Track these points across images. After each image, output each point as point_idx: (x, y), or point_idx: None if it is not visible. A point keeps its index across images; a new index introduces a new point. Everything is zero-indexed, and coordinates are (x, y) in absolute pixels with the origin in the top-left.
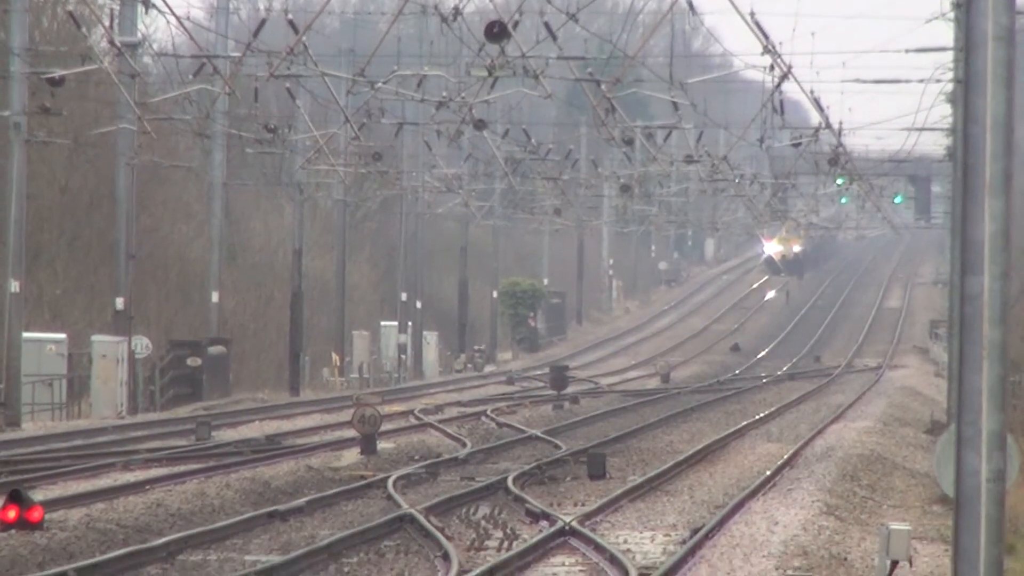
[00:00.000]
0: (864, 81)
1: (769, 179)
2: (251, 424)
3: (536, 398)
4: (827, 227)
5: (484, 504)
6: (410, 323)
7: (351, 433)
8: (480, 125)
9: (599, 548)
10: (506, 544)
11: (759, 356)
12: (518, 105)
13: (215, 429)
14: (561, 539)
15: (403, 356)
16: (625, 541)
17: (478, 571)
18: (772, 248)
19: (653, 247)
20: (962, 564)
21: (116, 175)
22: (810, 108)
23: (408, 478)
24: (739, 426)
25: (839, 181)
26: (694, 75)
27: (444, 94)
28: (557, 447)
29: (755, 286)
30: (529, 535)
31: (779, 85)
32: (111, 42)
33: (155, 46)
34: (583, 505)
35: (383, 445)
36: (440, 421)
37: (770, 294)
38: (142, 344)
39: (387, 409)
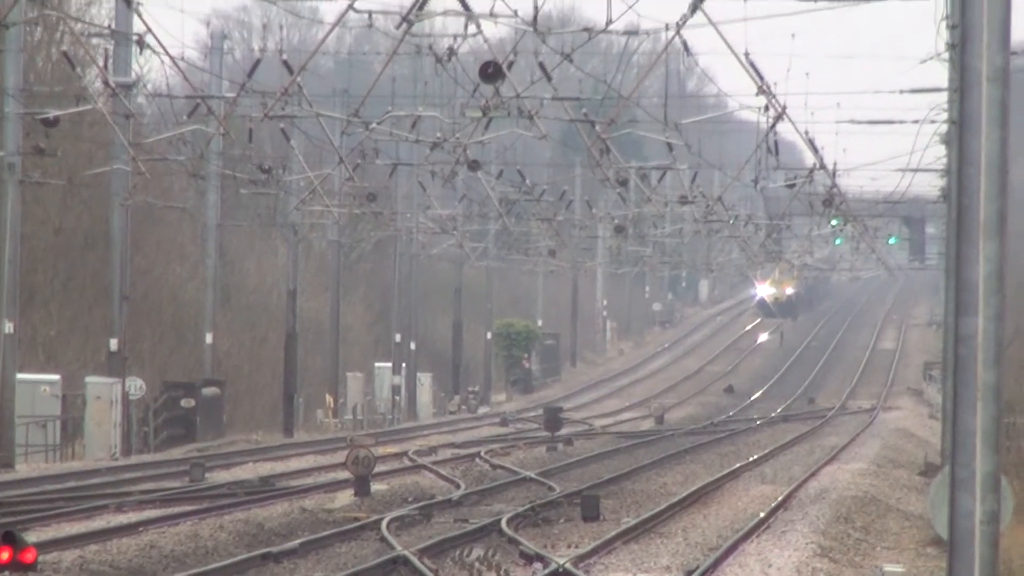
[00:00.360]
0: (858, 122)
1: (764, 220)
2: (245, 465)
3: (530, 440)
4: (821, 268)
5: (478, 546)
6: (404, 364)
7: (345, 475)
8: (474, 166)
9: None
10: None
11: (753, 398)
12: (512, 146)
13: (209, 470)
14: None
15: (397, 397)
16: None
17: None
18: (765, 290)
19: (647, 288)
20: None
21: (110, 216)
22: (804, 149)
23: (402, 520)
24: (733, 468)
25: (834, 222)
26: (689, 116)
27: (438, 135)
28: (551, 489)
29: (748, 328)
30: None
31: (774, 126)
32: (105, 82)
33: (149, 86)
34: (577, 547)
35: (377, 487)
36: (434, 463)
37: (763, 337)
38: (136, 385)
39: (381, 451)
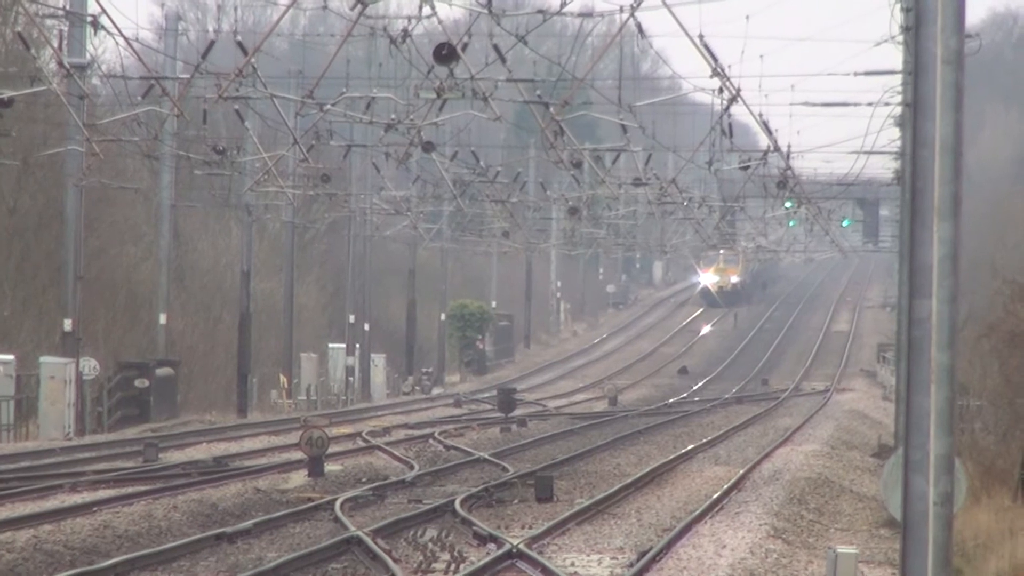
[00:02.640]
0: (813, 104)
1: (718, 202)
2: (199, 446)
3: (484, 421)
4: (775, 250)
5: (432, 527)
6: (358, 345)
7: (299, 455)
8: (428, 147)
9: (546, 571)
10: (453, 567)
11: (707, 379)
12: (467, 127)
13: (163, 451)
14: (508, 562)
15: (351, 378)
16: (572, 564)
17: None
18: (708, 279)
19: (601, 270)
20: None
21: (65, 196)
22: (759, 131)
23: (356, 500)
24: (687, 449)
25: (787, 204)
26: (643, 98)
27: (392, 116)
28: (505, 470)
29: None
30: (476, 558)
31: (728, 108)
32: (60, 63)
33: (104, 67)
34: (531, 528)
35: (331, 467)
36: (388, 443)
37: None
38: (90, 365)
39: (335, 431)
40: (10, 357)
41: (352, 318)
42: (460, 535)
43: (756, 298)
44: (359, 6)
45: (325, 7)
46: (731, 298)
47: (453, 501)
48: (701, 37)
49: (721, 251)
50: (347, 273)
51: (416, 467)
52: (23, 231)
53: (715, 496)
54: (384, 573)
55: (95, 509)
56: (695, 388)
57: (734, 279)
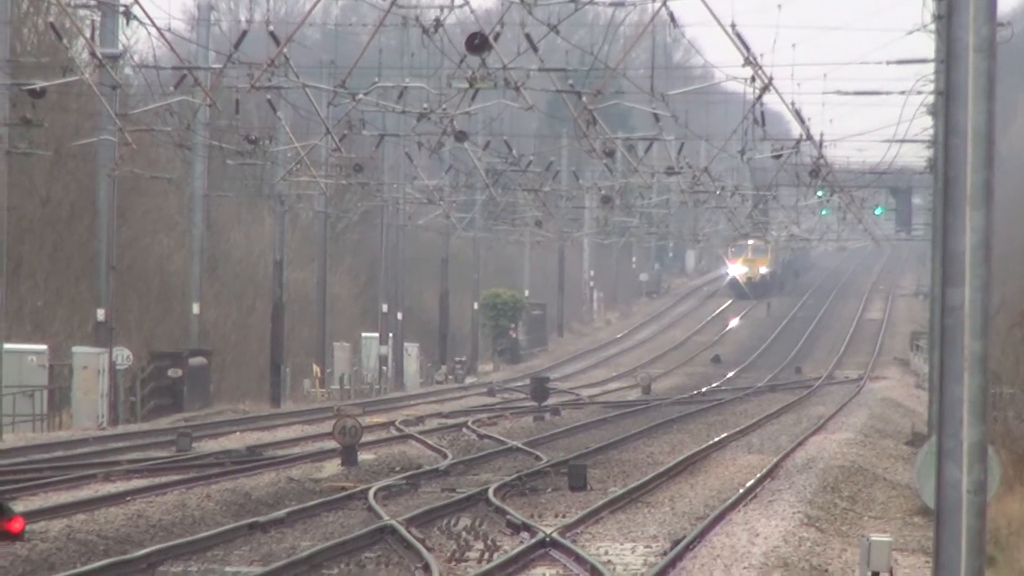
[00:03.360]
0: (845, 93)
1: (750, 191)
2: (232, 435)
3: (517, 410)
4: (807, 239)
5: (465, 515)
6: (391, 334)
7: (332, 444)
8: (461, 137)
9: (580, 559)
10: (487, 555)
11: (740, 367)
12: (499, 117)
13: (196, 440)
14: (542, 550)
15: (384, 367)
16: (606, 552)
17: None
18: (737, 270)
19: (634, 259)
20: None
21: (97, 186)
22: (791, 120)
23: (389, 489)
24: (720, 438)
25: (820, 193)
26: (675, 87)
27: (425, 106)
28: (538, 459)
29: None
30: (510, 546)
31: (760, 97)
32: (92, 53)
33: (136, 57)
34: (564, 516)
35: (364, 456)
36: (421, 432)
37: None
38: (123, 355)
39: (368, 420)
40: (43, 347)
41: (385, 307)
42: (493, 524)
43: (788, 288)
44: None
45: None
46: (760, 289)
47: (486, 490)
48: (733, 26)
49: (750, 241)
50: (380, 262)
51: (449, 456)
52: (56, 221)
53: (748, 484)
54: (418, 562)
55: (128, 499)
56: (728, 376)
57: (763, 270)
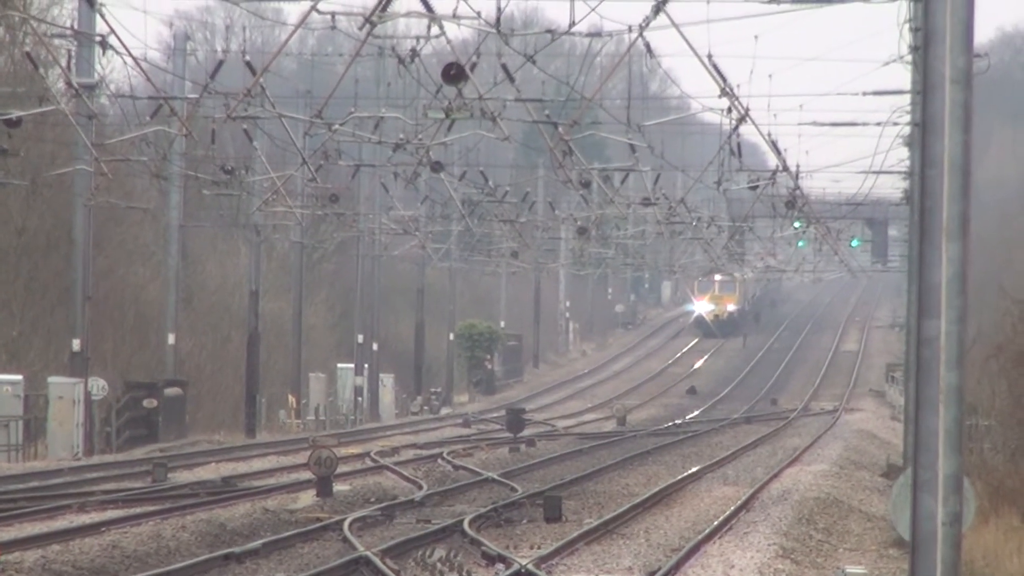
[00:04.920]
0: (821, 124)
1: (726, 222)
2: (207, 466)
3: (492, 441)
4: (783, 270)
5: (440, 547)
6: (366, 365)
7: (307, 475)
8: (437, 167)
9: None
10: None
11: (715, 399)
12: (475, 147)
13: (171, 471)
14: None
15: (359, 398)
16: None
17: None
18: (703, 307)
19: (610, 289)
20: None
21: (73, 216)
22: (767, 151)
23: (364, 520)
24: (695, 469)
25: (796, 224)
26: (651, 117)
27: (401, 136)
28: (513, 490)
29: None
30: None
31: (736, 127)
32: (68, 83)
33: (112, 87)
34: (539, 548)
35: (339, 487)
36: (396, 463)
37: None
38: (98, 386)
39: (343, 451)
40: (18, 377)
41: (360, 338)
42: (469, 555)
43: (758, 326)
44: (367, 26)
45: (334, 27)
46: (728, 327)
47: (462, 521)
48: (710, 57)
49: (717, 277)
50: (355, 293)
51: (425, 487)
52: (32, 251)
53: (724, 516)
54: None
55: (103, 529)
56: (703, 408)
57: (731, 307)
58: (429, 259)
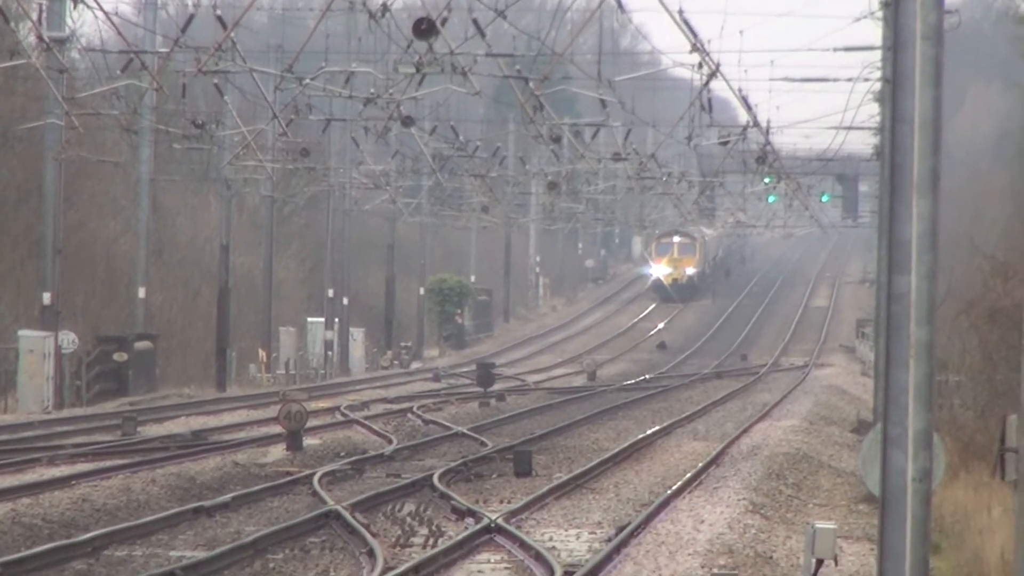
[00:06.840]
0: (792, 79)
1: (697, 177)
2: (177, 420)
3: (462, 395)
4: (753, 225)
5: (410, 501)
6: (337, 319)
7: (277, 429)
8: (408, 122)
9: (524, 546)
10: (431, 541)
11: (686, 354)
12: (446, 102)
13: (141, 424)
14: (487, 536)
15: (329, 352)
16: (551, 539)
17: (403, 568)
18: (660, 271)
19: (580, 245)
20: (888, 563)
21: (44, 170)
22: (738, 106)
23: (334, 474)
24: (665, 424)
25: (767, 179)
26: (622, 73)
27: (372, 91)
28: (483, 444)
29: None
30: (454, 532)
31: (707, 83)
32: (39, 37)
33: (83, 41)
34: (509, 502)
35: (309, 441)
36: (366, 418)
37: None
38: (68, 339)
39: (313, 405)
40: None
41: (331, 292)
42: (438, 510)
43: (718, 291)
44: None
45: None
46: (687, 292)
47: (431, 476)
48: (681, 12)
49: (676, 239)
50: (326, 247)
51: (394, 441)
52: (2, 205)
53: (694, 471)
54: (362, 547)
55: (73, 483)
56: (673, 363)
57: (690, 270)
58: (400, 214)
